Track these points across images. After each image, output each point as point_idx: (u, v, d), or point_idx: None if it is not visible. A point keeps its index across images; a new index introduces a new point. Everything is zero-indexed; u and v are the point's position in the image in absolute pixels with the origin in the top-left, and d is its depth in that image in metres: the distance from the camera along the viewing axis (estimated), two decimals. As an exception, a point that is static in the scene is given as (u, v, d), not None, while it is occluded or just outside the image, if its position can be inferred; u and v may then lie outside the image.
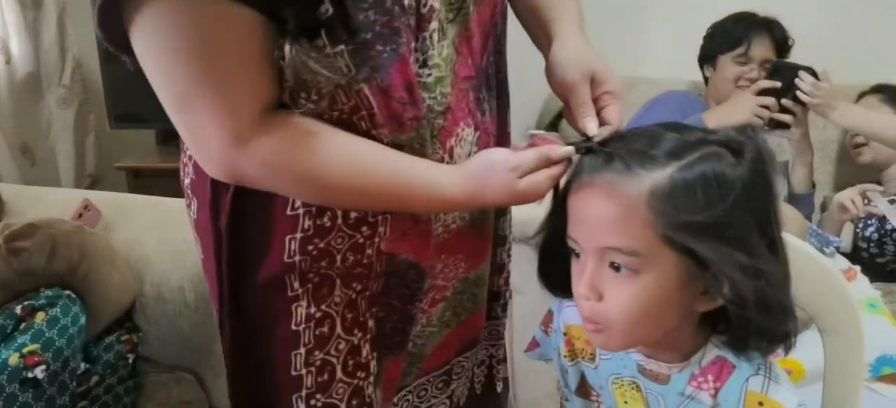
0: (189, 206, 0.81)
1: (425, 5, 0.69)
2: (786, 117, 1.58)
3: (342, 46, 0.62)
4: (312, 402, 0.78)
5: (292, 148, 0.64)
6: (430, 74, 0.70)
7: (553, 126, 2.00)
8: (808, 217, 1.70)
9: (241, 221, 0.73)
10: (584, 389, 0.82)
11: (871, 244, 1.70)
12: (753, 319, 0.62)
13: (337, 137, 0.66)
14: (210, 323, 1.47)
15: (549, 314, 0.85)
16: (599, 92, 0.73)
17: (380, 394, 0.85)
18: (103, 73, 1.99)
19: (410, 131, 0.70)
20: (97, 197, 1.62)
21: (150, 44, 0.60)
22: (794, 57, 1.87)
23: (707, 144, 0.63)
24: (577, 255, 0.68)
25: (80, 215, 1.51)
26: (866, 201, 1.68)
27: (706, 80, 1.86)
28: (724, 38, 1.79)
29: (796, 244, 0.91)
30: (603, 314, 0.66)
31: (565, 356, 0.82)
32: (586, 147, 0.69)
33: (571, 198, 0.68)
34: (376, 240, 0.75)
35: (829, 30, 2.02)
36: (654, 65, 2.15)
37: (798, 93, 1.54)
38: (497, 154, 0.70)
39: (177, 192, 1.62)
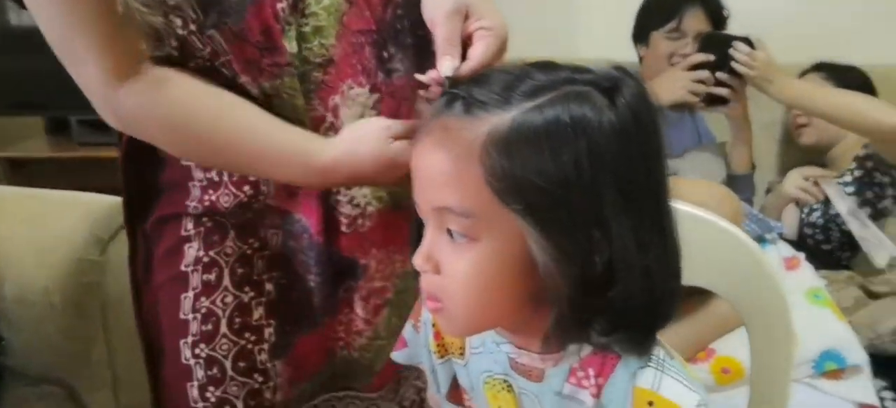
0: None
1: None
2: (723, 91, 1.47)
3: None
4: (197, 350, 0.77)
5: (156, 94, 0.66)
6: (307, 23, 0.69)
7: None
8: (749, 200, 1.61)
9: (140, 160, 0.76)
10: (455, 392, 0.68)
11: (817, 230, 1.60)
12: (617, 309, 0.50)
13: (204, 88, 0.67)
14: (82, 327, 1.31)
15: (420, 304, 0.70)
16: (472, 28, 0.63)
17: (283, 368, 0.80)
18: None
19: (273, 79, 0.69)
20: (-37, 189, 1.46)
21: (32, 5, 0.63)
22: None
23: (573, 82, 0.50)
24: None
25: (-65, 210, 1.34)
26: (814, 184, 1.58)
27: (640, 60, 1.75)
28: (655, 13, 1.68)
29: (721, 225, 0.79)
30: (442, 289, 0.53)
31: (434, 352, 0.68)
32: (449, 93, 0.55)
33: (413, 150, 0.54)
34: (261, 198, 0.75)
35: (770, 4, 1.94)
36: (589, 46, 2.04)
37: (733, 64, 1.43)
38: (373, 119, 0.68)
39: (65, 183, 1.48)
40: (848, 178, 1.56)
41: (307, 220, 0.77)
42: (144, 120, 0.68)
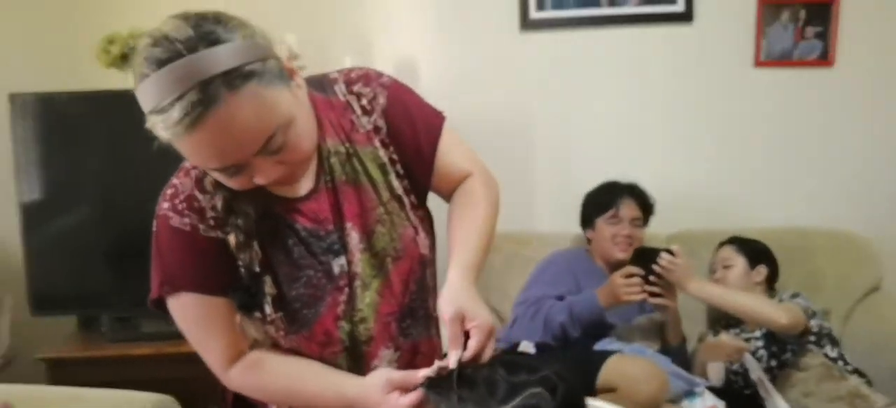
0: None
1: (350, 273, 0.99)
2: (656, 289, 1.83)
3: (280, 314, 0.98)
4: None
5: (252, 374, 1.00)
6: (356, 316, 1.00)
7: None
8: (685, 363, 1.94)
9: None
10: None
11: (739, 377, 1.95)
12: None
13: (280, 365, 1.01)
14: None
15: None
16: (468, 326, 0.91)
17: None
18: (26, 263, 2.01)
19: (330, 360, 1.02)
20: (17, 392, 1.66)
21: (176, 318, 0.98)
22: (666, 210, 2.19)
23: (529, 384, 0.82)
24: None
25: (0, 419, 1.55)
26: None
27: (588, 240, 2.13)
28: (597, 204, 2.07)
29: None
30: None
31: None
32: (443, 381, 0.86)
33: None
34: None
35: (693, 188, 2.37)
36: (543, 221, 2.41)
37: (658, 269, 1.80)
38: (380, 372, 0.95)
39: (96, 381, 1.68)
40: (757, 333, 1.93)
41: None
42: (247, 390, 1.03)
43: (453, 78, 2.38)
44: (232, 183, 0.87)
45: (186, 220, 0.93)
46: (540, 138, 2.41)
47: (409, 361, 1.06)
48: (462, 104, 2.36)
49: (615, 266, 1.93)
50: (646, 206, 2.08)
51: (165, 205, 0.94)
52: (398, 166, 1.04)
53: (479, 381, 0.84)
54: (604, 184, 2.10)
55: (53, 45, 2.26)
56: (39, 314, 2.05)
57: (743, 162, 2.39)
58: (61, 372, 1.95)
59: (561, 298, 1.91)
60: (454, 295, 0.92)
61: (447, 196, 1.11)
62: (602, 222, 2.05)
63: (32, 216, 2.02)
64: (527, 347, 1.82)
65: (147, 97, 0.78)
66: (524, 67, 2.37)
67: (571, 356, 1.76)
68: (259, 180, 0.87)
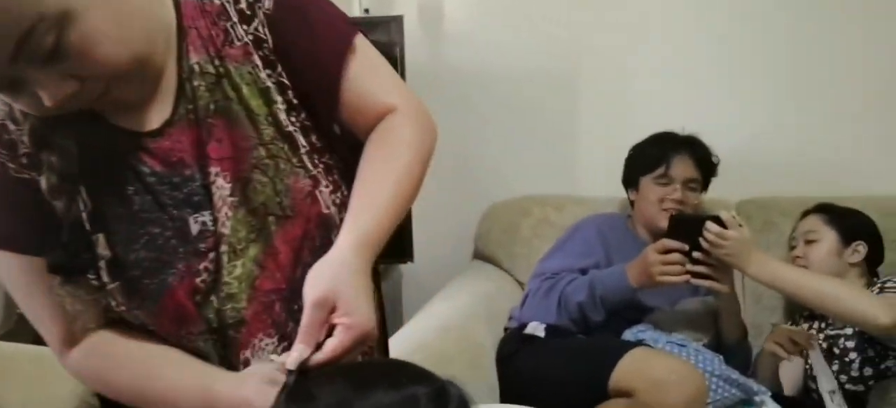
0: None
1: (217, 233, 0.76)
2: (701, 269, 1.43)
3: (117, 283, 0.75)
4: None
5: (95, 359, 0.79)
6: (222, 291, 0.77)
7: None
8: (744, 365, 1.55)
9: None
10: None
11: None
12: None
13: (132, 350, 0.78)
14: None
15: None
16: (335, 321, 0.66)
17: None
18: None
19: (188, 345, 0.79)
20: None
21: (4, 282, 0.79)
22: (737, 172, 1.79)
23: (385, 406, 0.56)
24: None
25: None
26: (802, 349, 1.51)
27: (632, 203, 1.75)
28: (644, 159, 1.70)
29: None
30: None
31: None
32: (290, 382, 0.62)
33: None
34: None
35: (774, 144, 1.97)
36: (586, 184, 2.08)
37: (704, 244, 1.40)
38: (264, 365, 0.74)
39: None
40: (848, 331, 1.48)
41: None
42: (87, 379, 0.83)
43: (481, 16, 2.10)
44: (19, 105, 0.70)
45: None
46: (585, 85, 2.09)
47: None
48: (491, 46, 2.12)
49: (661, 237, 1.54)
50: (705, 165, 1.69)
51: None
52: (290, 93, 0.79)
53: (321, 397, 0.59)
54: (655, 135, 1.72)
55: None
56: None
57: (839, 114, 1.94)
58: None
59: (585, 272, 1.55)
60: (330, 272, 0.68)
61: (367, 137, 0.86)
62: (648, 182, 1.67)
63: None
64: (536, 329, 1.48)
65: None
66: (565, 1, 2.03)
67: (583, 346, 1.42)
68: (47, 102, 0.66)
